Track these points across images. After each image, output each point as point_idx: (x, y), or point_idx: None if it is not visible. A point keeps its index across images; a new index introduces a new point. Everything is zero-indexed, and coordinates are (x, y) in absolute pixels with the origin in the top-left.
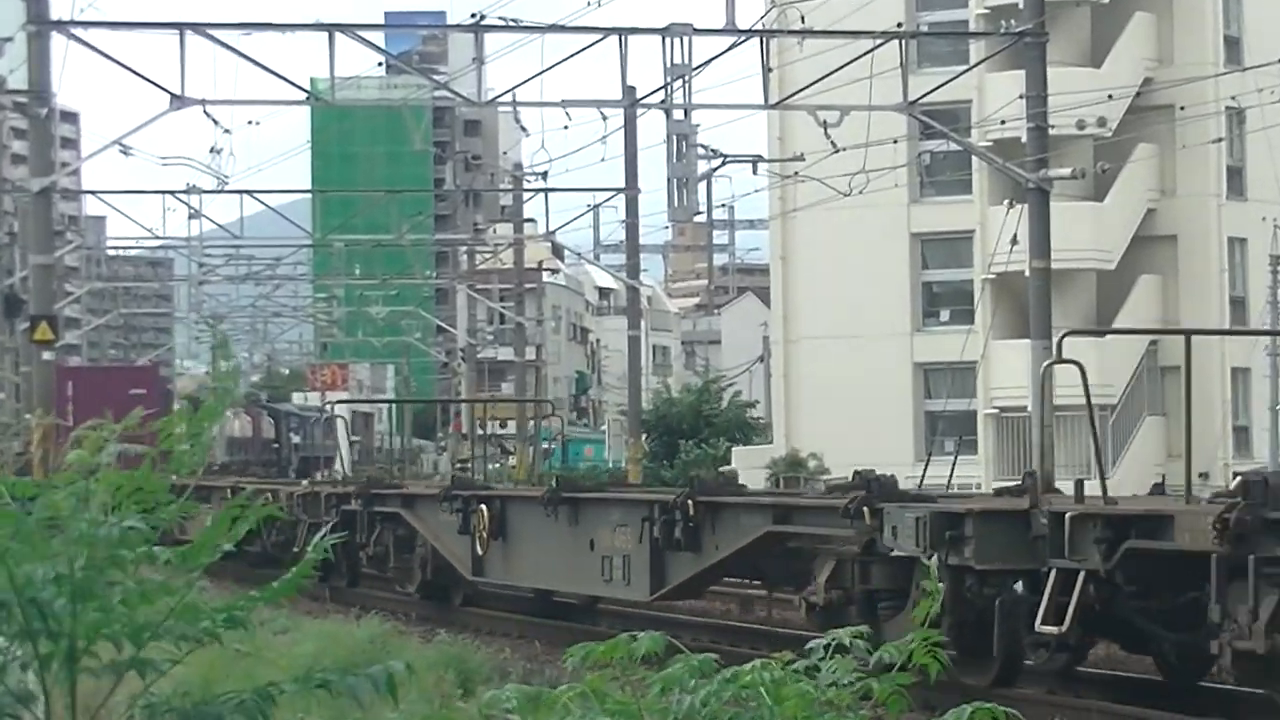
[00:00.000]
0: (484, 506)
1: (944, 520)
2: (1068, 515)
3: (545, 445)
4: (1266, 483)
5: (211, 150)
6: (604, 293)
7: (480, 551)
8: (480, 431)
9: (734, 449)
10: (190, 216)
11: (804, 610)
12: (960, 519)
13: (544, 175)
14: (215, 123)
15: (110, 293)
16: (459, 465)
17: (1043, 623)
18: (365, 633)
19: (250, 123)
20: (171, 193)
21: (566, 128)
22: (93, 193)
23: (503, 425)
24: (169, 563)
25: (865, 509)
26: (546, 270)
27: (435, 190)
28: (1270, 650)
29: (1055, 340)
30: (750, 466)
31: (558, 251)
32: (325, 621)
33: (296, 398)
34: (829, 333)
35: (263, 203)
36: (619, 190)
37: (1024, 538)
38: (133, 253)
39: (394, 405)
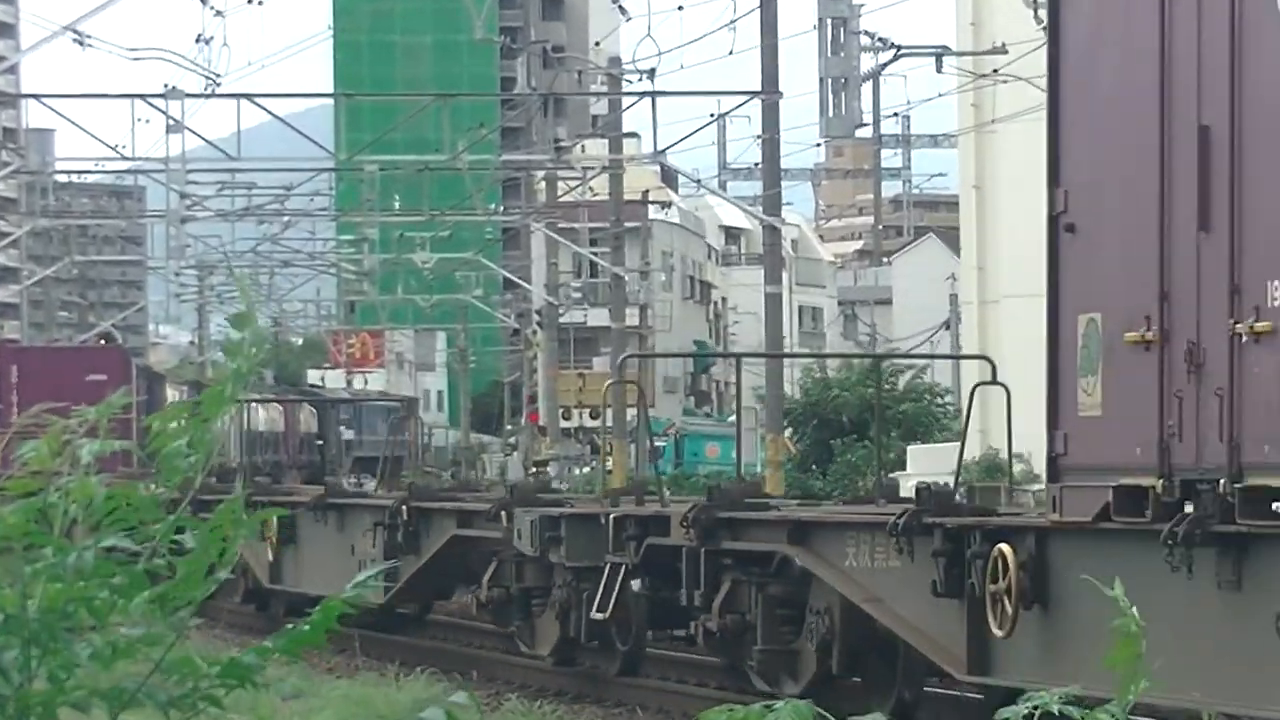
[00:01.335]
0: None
1: (548, 522)
2: (612, 516)
3: (658, 443)
4: (720, 488)
5: (198, 40)
6: (732, 234)
7: (270, 558)
8: (565, 423)
9: (910, 448)
10: (169, 130)
11: (474, 607)
12: (558, 521)
13: (651, 74)
14: (203, 1)
15: (60, 233)
16: (534, 470)
17: (597, 610)
18: (407, 696)
19: (251, 1)
20: (143, 96)
21: (681, 8)
22: (37, 97)
23: (594, 415)
24: (152, 603)
25: (503, 512)
26: (654, 204)
27: (502, 94)
28: (723, 627)
29: (619, 361)
30: (935, 473)
31: (669, 179)
32: (351, 682)
33: (313, 376)
34: (1040, 290)
35: (267, 110)
36: (753, 94)
37: (603, 537)
38: (91, 179)
39: (447, 384)
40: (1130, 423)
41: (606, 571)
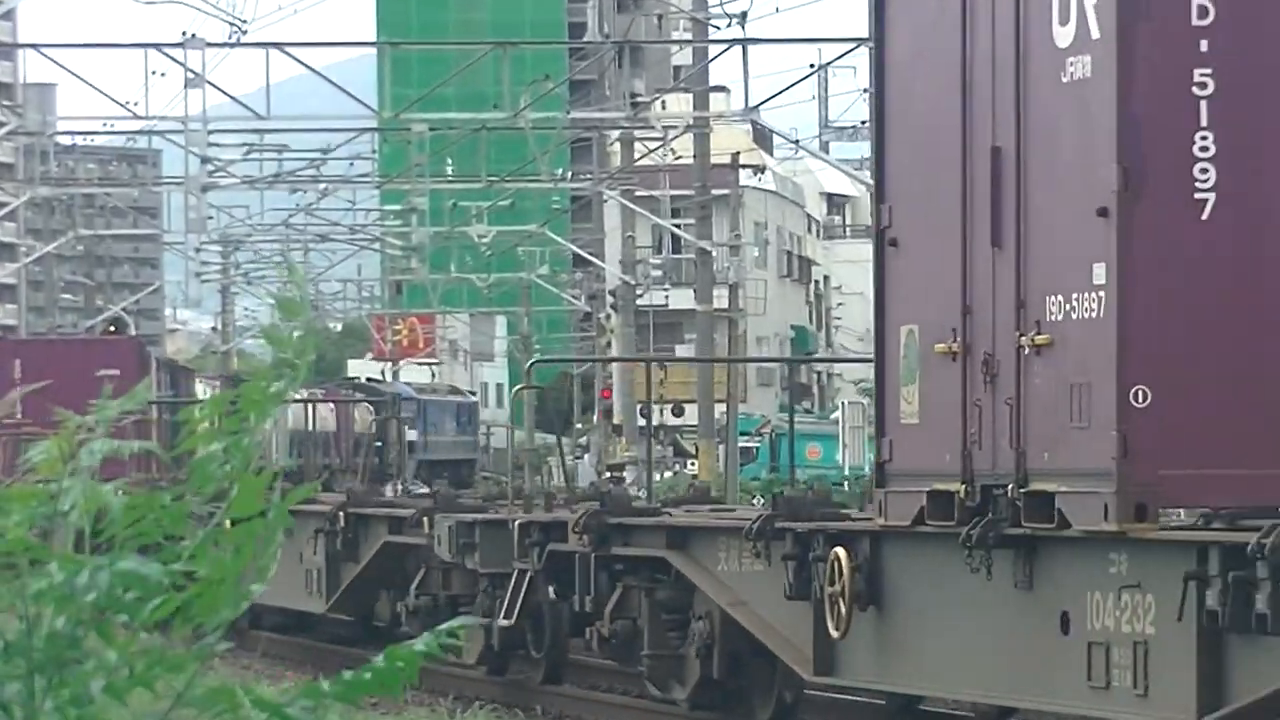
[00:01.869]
0: None
1: (463, 528)
2: (517, 522)
3: (750, 443)
4: (610, 493)
5: None
6: (835, 202)
7: None
8: (644, 421)
9: None
10: (187, 84)
11: (404, 615)
12: (472, 527)
13: (742, 19)
14: None
15: (64, 204)
16: (609, 475)
17: (504, 617)
18: None
19: None
20: (158, 46)
21: None
22: (36, 47)
23: (676, 412)
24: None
25: (425, 518)
26: (746, 169)
27: (571, 42)
28: (614, 633)
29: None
30: None
31: (763, 139)
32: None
33: (353, 366)
34: None
35: (300, 62)
36: (859, 42)
37: (510, 543)
38: (98, 141)
39: (508, 376)
40: (941, 430)
41: (514, 578)
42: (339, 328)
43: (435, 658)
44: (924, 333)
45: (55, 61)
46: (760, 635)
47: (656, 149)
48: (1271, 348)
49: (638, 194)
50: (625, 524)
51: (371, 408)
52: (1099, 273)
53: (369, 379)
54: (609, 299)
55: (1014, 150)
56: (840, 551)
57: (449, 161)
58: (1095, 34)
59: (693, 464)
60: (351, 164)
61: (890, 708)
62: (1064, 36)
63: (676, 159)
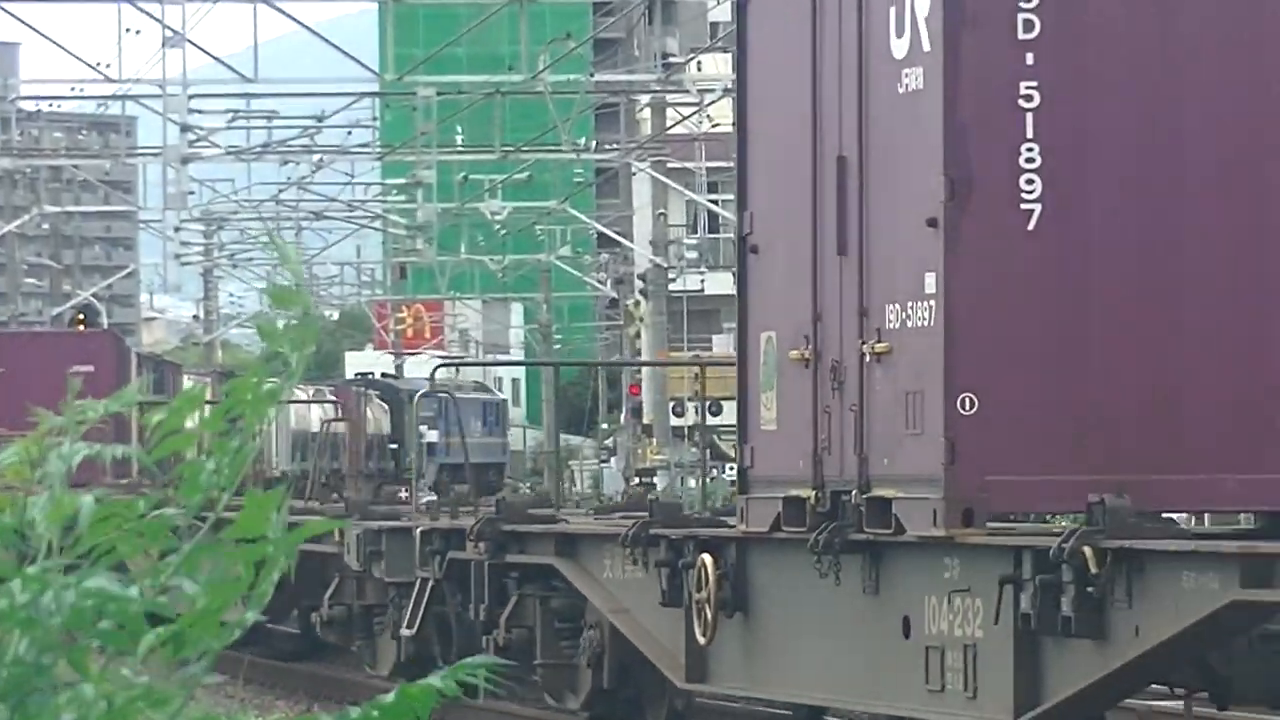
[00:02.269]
0: None
1: (370, 537)
2: (418, 530)
3: None
4: (506, 500)
5: None
6: None
7: None
8: (677, 419)
9: None
10: (166, 44)
11: (319, 625)
12: (379, 535)
13: None
14: None
15: (27, 177)
16: (638, 481)
17: (406, 626)
18: None
19: None
20: (133, 1)
21: None
22: None
23: (714, 410)
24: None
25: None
26: None
27: None
28: (509, 642)
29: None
30: None
31: None
32: None
33: (351, 360)
34: None
35: (292, 18)
36: None
37: (414, 552)
38: (66, 107)
39: (525, 372)
40: (795, 436)
41: (417, 587)
42: (336, 316)
43: (440, 696)
44: (780, 340)
45: (16, 17)
46: (638, 643)
47: (691, 115)
48: (1096, 356)
49: (670, 166)
50: (519, 531)
51: (386, 406)
52: (930, 282)
53: (384, 374)
54: (638, 284)
55: (857, 160)
56: (707, 558)
57: (459, 130)
58: (926, 46)
59: (731, 468)
60: (349, 133)
61: (798, 717)
62: (900, 48)
63: (714, 126)
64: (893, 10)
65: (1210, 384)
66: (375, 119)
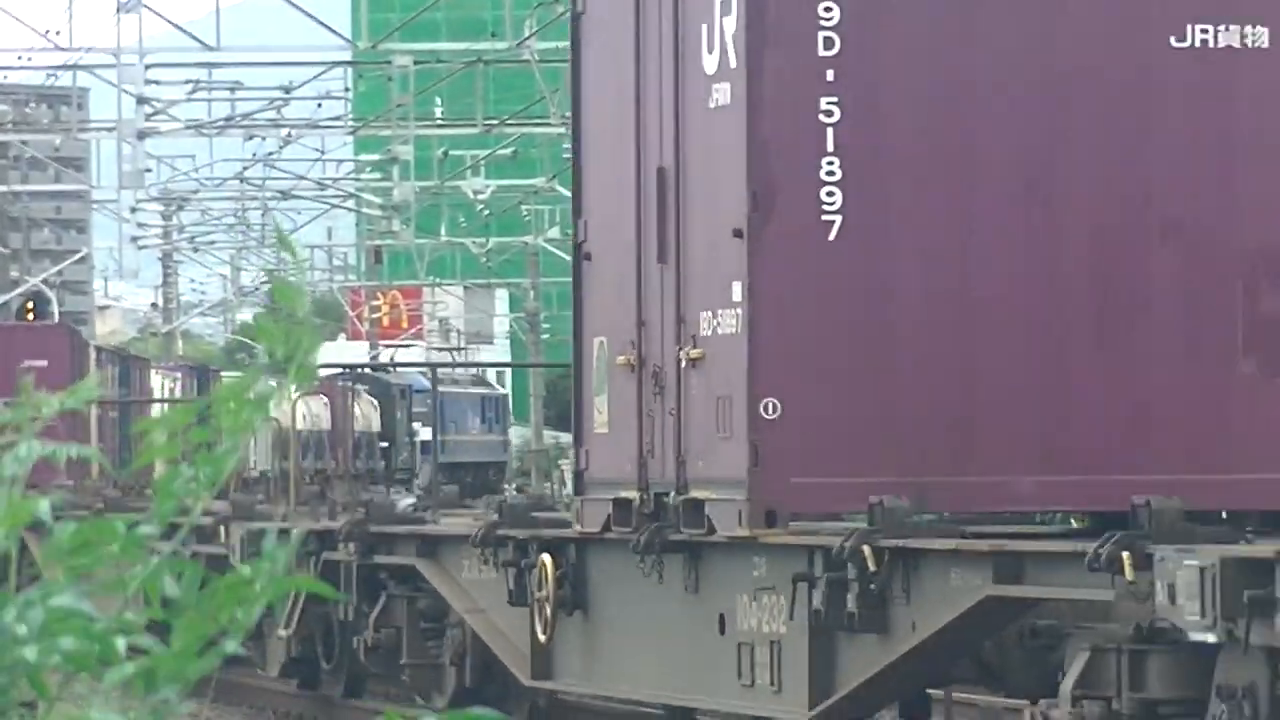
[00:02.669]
0: None
1: (254, 537)
2: (294, 531)
3: None
4: (374, 502)
5: None
6: None
7: None
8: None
9: None
10: (121, 9)
11: None
12: (260, 536)
13: None
14: None
15: None
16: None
17: (284, 627)
18: None
19: None
20: None
21: None
22: None
23: None
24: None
25: (222, 527)
26: None
27: None
28: (377, 643)
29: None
30: None
31: None
32: None
33: (323, 351)
34: None
35: None
36: None
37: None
38: (14, 79)
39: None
40: (624, 440)
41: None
42: (307, 298)
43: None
44: (610, 345)
45: None
46: (490, 641)
47: None
48: (896, 362)
49: None
50: (386, 533)
51: (376, 402)
52: (737, 290)
53: (374, 368)
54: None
55: (674, 172)
56: (546, 558)
57: (438, 102)
58: (733, 63)
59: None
60: (320, 105)
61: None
62: (710, 64)
63: None
64: (705, 28)
65: (1007, 389)
66: (347, 90)
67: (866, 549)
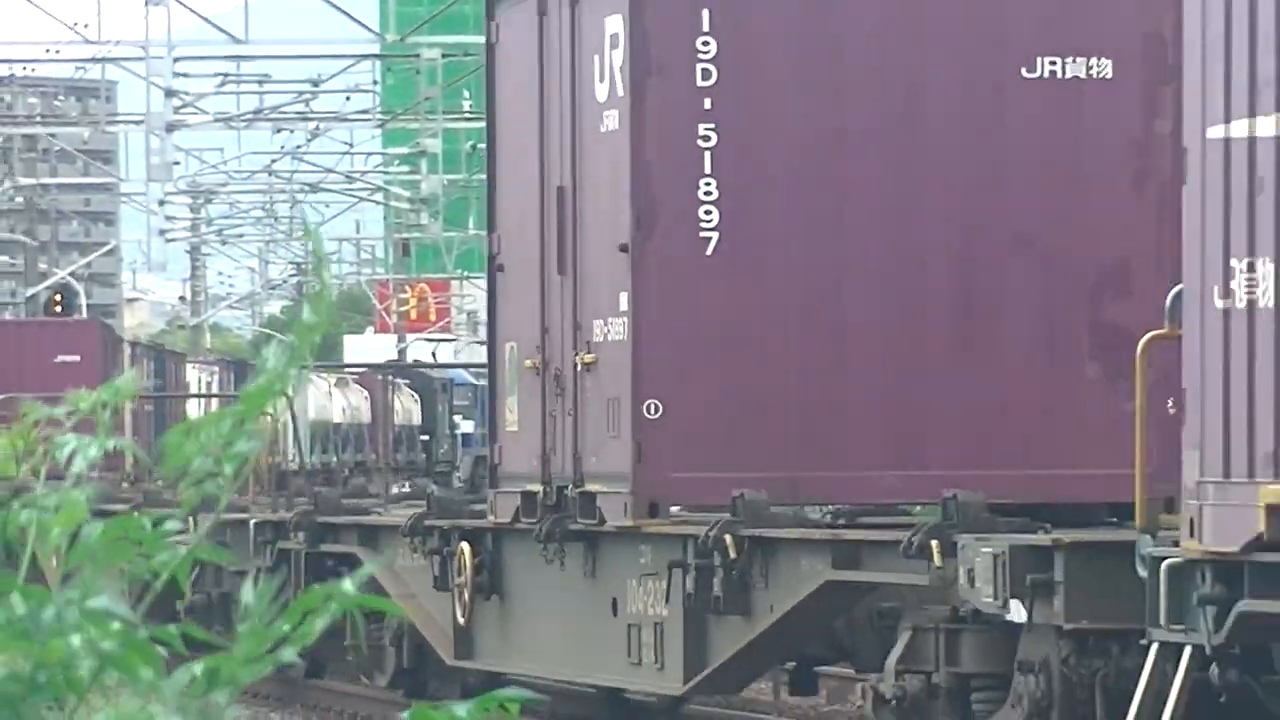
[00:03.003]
0: None
1: (217, 527)
2: (252, 522)
3: None
4: (322, 494)
5: None
6: None
7: None
8: None
9: None
10: (149, 2)
11: (182, 614)
12: (224, 526)
13: None
14: None
15: (1, 147)
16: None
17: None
18: None
19: None
20: None
21: None
22: None
23: None
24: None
25: (192, 517)
26: None
27: None
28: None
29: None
30: None
31: None
32: None
33: (351, 344)
34: None
35: None
36: None
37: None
38: (42, 71)
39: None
40: (530, 437)
41: (253, 575)
42: (334, 295)
43: None
44: (520, 350)
45: None
46: (419, 624)
47: None
48: (766, 366)
49: None
50: (332, 523)
51: (416, 395)
52: (623, 301)
53: (416, 361)
54: None
55: (572, 191)
56: (465, 546)
57: (466, 95)
58: (620, 92)
59: None
60: (348, 98)
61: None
62: (601, 92)
63: None
64: (597, 59)
65: (871, 390)
66: (376, 83)
67: (728, 538)
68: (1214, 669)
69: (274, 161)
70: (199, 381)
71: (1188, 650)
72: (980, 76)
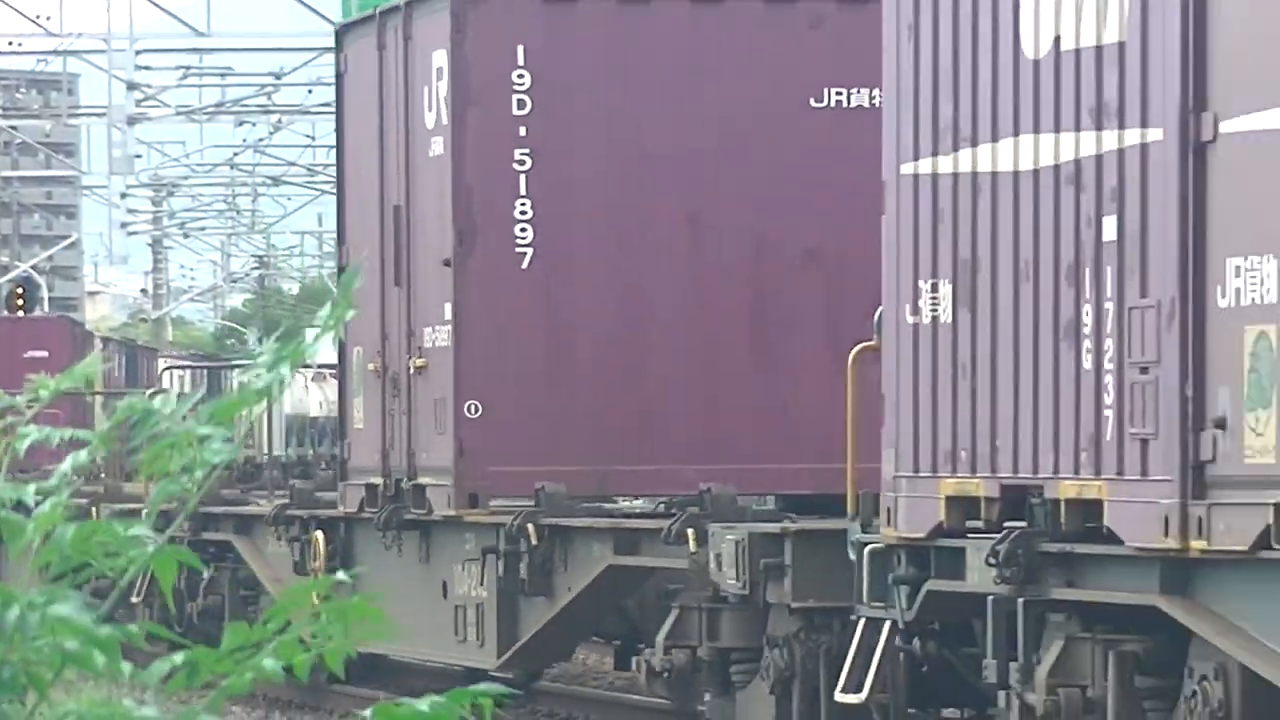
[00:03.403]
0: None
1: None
2: (145, 512)
3: None
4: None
5: None
6: None
7: None
8: None
9: None
10: None
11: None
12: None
13: None
14: None
15: None
16: None
17: (136, 595)
18: None
19: None
20: None
21: None
22: None
23: None
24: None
25: (94, 509)
26: None
27: None
28: (205, 608)
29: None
30: None
31: None
32: None
33: (312, 338)
34: None
35: None
36: None
37: None
38: (3, 64)
39: None
40: (373, 434)
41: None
42: (296, 290)
43: None
44: (364, 354)
45: None
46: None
47: None
48: (576, 371)
49: None
50: (213, 513)
51: None
52: (447, 310)
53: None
54: None
55: (405, 209)
56: (319, 534)
57: None
58: (444, 120)
59: None
60: (310, 91)
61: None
62: (429, 120)
63: None
64: (426, 89)
65: (674, 393)
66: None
67: (530, 526)
68: (915, 642)
69: (236, 155)
70: (171, 378)
71: (887, 624)
72: (773, 106)
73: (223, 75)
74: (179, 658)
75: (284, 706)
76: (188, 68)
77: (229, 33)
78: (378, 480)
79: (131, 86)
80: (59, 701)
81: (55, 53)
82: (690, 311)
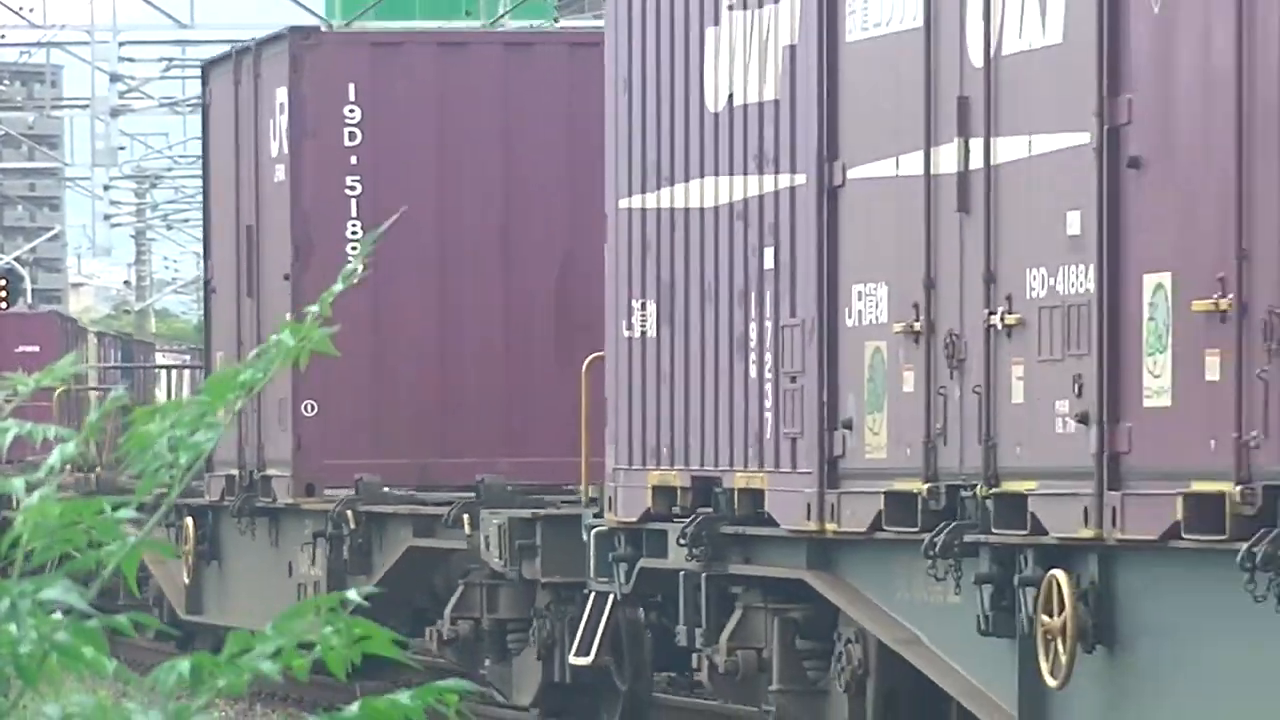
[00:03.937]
0: None
1: None
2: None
3: None
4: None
5: None
6: None
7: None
8: None
9: None
10: None
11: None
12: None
13: None
14: None
15: None
16: None
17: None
18: None
19: None
20: None
21: None
22: None
23: None
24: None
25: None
26: None
27: None
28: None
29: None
30: None
31: None
32: None
33: None
34: None
35: None
36: None
37: None
38: None
39: None
40: (231, 430)
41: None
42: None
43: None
44: (226, 358)
45: None
46: (165, 587)
47: None
48: (397, 375)
49: None
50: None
51: None
52: (288, 319)
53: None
54: None
55: (255, 229)
56: (189, 520)
57: None
58: (285, 150)
59: None
60: None
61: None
62: (274, 149)
63: None
64: (271, 122)
65: (484, 394)
66: None
67: (349, 513)
68: (640, 611)
69: None
70: (170, 375)
71: (610, 597)
72: (572, 141)
73: None
74: (185, 666)
75: (266, 699)
76: (171, 59)
77: (212, 25)
78: (235, 471)
79: (115, 78)
80: (45, 694)
81: (38, 44)
82: (500, 320)
